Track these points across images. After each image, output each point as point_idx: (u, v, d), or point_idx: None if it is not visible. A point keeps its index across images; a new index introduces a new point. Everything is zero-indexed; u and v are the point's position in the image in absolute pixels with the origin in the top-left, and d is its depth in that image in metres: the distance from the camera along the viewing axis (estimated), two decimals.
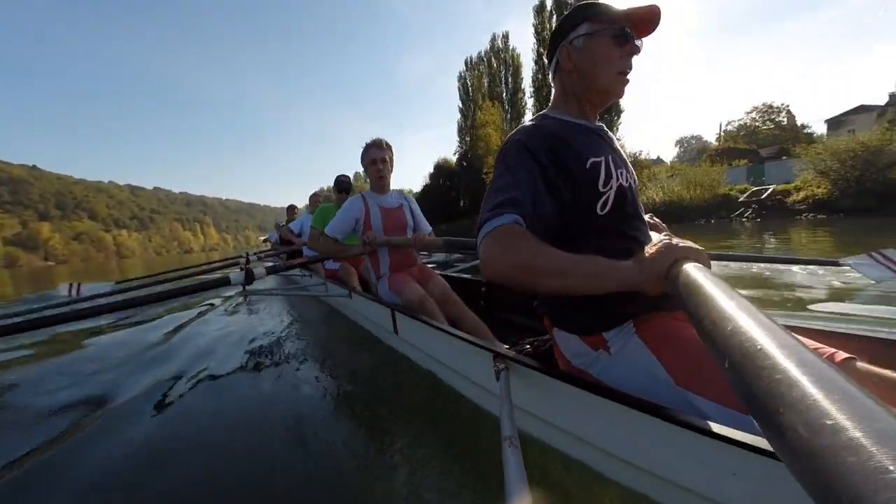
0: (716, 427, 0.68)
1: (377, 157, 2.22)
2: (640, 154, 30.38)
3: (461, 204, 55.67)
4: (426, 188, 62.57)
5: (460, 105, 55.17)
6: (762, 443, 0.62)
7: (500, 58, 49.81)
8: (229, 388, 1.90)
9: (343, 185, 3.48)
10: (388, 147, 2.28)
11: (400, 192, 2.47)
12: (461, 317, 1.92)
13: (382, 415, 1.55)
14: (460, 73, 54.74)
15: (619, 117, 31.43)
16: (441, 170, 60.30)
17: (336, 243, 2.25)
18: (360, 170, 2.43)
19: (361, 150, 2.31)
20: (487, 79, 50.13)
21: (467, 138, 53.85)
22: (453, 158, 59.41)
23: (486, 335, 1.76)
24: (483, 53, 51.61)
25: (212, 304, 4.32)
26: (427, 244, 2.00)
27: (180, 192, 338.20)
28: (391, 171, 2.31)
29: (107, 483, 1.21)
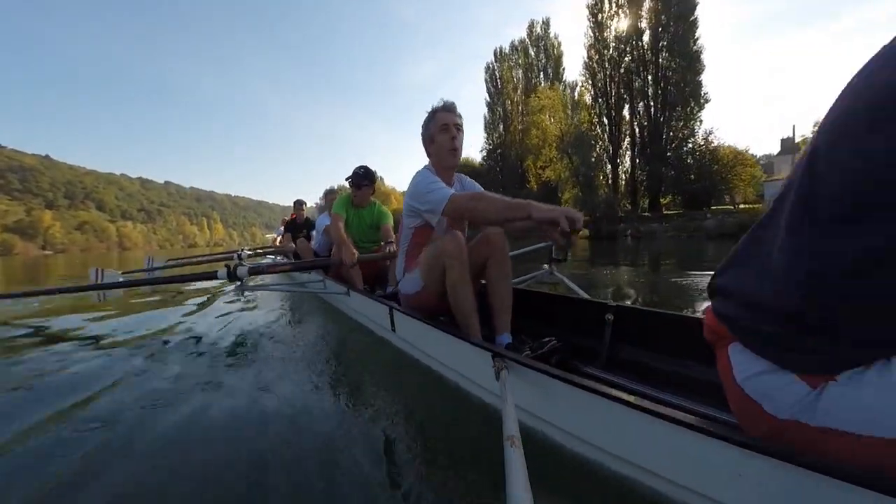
0: (720, 428, 0.68)
1: (450, 121, 1.69)
2: (749, 151, 24.92)
3: None
4: None
5: (487, 98, 50.11)
6: (768, 443, 0.62)
7: (538, 46, 44.55)
8: (220, 386, 1.83)
9: (355, 178, 3.07)
10: (461, 116, 1.76)
11: (462, 176, 1.97)
12: (501, 262, 1.66)
13: (380, 414, 1.50)
14: (488, 65, 49.63)
15: (700, 109, 26.06)
16: (462, 169, 54.97)
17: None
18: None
19: (426, 117, 1.78)
20: (523, 68, 44.98)
21: (495, 134, 49.14)
22: (476, 157, 54.93)
23: (507, 301, 1.64)
24: (517, 42, 46.44)
25: (206, 299, 4.26)
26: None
27: (190, 188, 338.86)
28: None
29: (87, 480, 1.16)
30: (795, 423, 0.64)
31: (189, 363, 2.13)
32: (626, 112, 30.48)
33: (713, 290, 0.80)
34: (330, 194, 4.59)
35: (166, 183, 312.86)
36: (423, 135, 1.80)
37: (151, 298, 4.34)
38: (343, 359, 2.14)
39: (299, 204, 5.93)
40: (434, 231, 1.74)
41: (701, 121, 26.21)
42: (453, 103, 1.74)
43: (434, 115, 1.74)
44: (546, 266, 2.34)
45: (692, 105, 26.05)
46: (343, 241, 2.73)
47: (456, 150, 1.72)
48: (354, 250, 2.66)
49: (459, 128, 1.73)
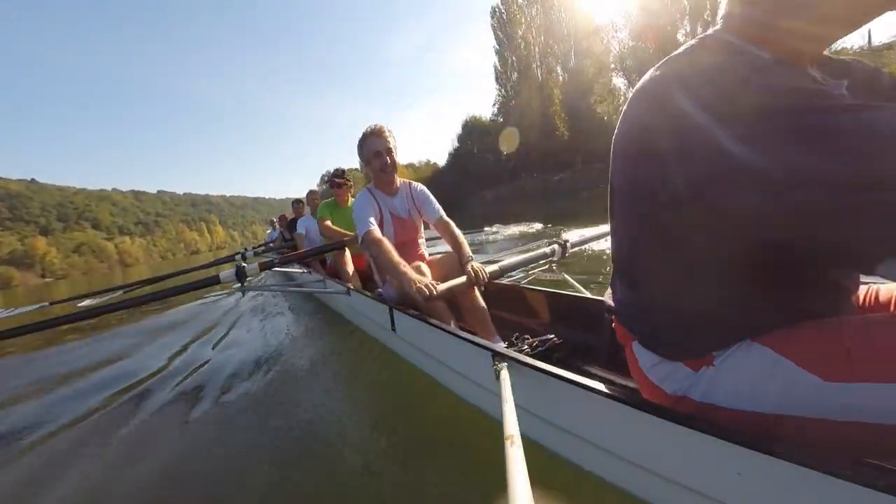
0: (721, 427, 0.69)
1: (380, 147, 1.90)
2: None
3: (500, 163, 45.56)
4: (456, 153, 52.38)
5: (496, 47, 44.17)
6: (768, 442, 0.63)
7: None
8: (221, 387, 1.86)
9: (332, 178, 3.37)
10: (390, 133, 1.90)
11: (409, 183, 2.14)
12: (467, 295, 1.74)
13: (380, 414, 1.52)
14: (494, 9, 43.30)
15: None
16: (471, 129, 49.89)
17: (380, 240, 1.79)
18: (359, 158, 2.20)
19: (358, 140, 1.95)
20: (540, 6, 38.51)
21: (509, 84, 43.42)
22: (486, 115, 49.41)
23: (485, 319, 1.71)
24: None
25: (209, 302, 4.53)
26: (489, 282, 1.68)
27: (184, 194, 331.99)
28: (397, 160, 1.96)
29: (93, 487, 1.21)
30: (684, 399, 0.77)
31: (188, 365, 2.17)
32: (680, 35, 25.19)
33: (610, 306, 0.89)
34: (311, 195, 4.90)
35: (159, 192, 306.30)
36: (359, 155, 1.98)
37: (149, 316, 4.25)
38: (343, 359, 2.15)
39: (298, 203, 6.25)
40: (382, 234, 1.90)
41: None
42: (381, 127, 1.89)
43: (365, 140, 1.90)
44: (546, 262, 2.30)
45: None
46: (340, 232, 3.02)
47: (387, 173, 1.94)
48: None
49: (388, 149, 1.90)
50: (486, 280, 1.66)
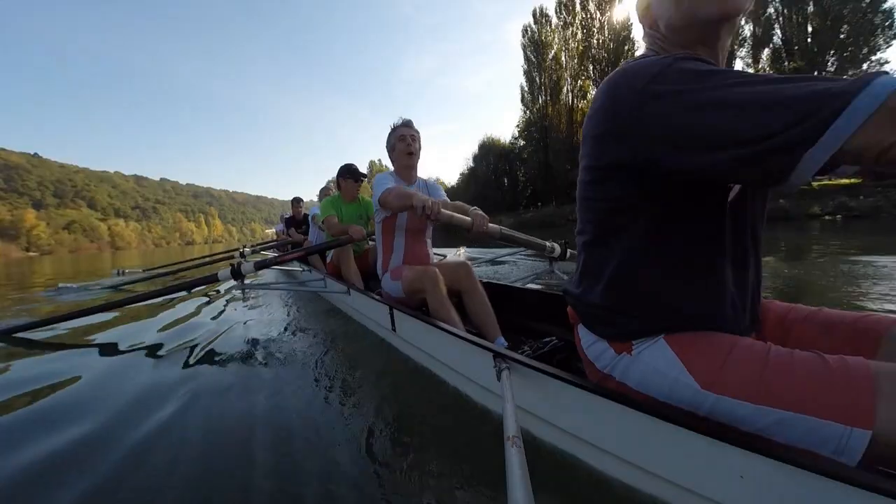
0: (722, 429, 0.68)
1: (406, 133, 2.05)
2: None
3: (519, 188, 43.69)
4: (471, 173, 50.33)
5: (525, 67, 42.67)
6: (769, 444, 0.62)
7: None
8: (221, 387, 1.84)
9: (353, 172, 3.19)
10: (417, 131, 2.11)
11: (425, 180, 2.25)
12: (471, 290, 1.84)
13: (381, 414, 1.50)
14: (526, 28, 42.04)
15: (883, 44, 18.73)
16: (488, 150, 48.15)
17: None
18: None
19: (389, 132, 2.14)
20: (581, 29, 37.01)
21: (535, 106, 41.77)
22: (505, 138, 47.67)
23: (491, 319, 1.75)
24: None
25: (207, 299, 4.28)
26: (488, 232, 1.79)
27: (187, 184, 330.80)
28: (419, 155, 2.12)
29: (92, 484, 1.16)
30: (609, 377, 0.86)
31: (187, 366, 2.12)
32: (738, 63, 23.37)
33: (567, 289, 0.97)
34: (325, 192, 4.79)
35: (162, 180, 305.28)
36: (387, 146, 2.14)
37: (152, 303, 4.04)
38: (343, 358, 2.13)
39: (297, 201, 6.06)
40: (396, 219, 2.00)
41: (882, 62, 19.08)
42: (410, 121, 2.10)
43: (396, 129, 2.09)
44: (547, 264, 2.27)
45: (873, 38, 18.86)
46: (345, 228, 2.86)
47: (411, 154, 2.05)
48: (361, 228, 2.82)
49: (415, 138, 2.07)
50: (485, 227, 1.72)
